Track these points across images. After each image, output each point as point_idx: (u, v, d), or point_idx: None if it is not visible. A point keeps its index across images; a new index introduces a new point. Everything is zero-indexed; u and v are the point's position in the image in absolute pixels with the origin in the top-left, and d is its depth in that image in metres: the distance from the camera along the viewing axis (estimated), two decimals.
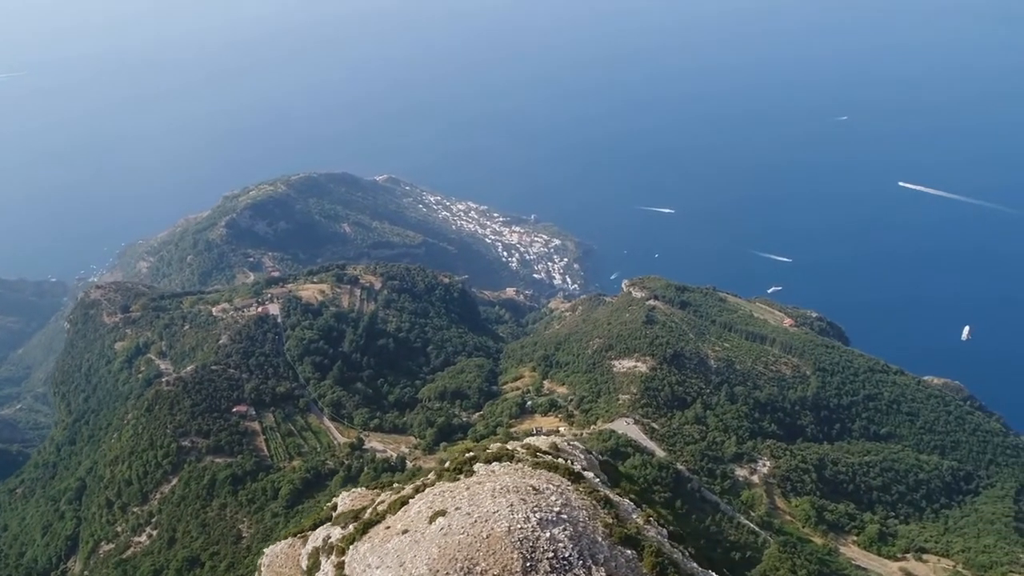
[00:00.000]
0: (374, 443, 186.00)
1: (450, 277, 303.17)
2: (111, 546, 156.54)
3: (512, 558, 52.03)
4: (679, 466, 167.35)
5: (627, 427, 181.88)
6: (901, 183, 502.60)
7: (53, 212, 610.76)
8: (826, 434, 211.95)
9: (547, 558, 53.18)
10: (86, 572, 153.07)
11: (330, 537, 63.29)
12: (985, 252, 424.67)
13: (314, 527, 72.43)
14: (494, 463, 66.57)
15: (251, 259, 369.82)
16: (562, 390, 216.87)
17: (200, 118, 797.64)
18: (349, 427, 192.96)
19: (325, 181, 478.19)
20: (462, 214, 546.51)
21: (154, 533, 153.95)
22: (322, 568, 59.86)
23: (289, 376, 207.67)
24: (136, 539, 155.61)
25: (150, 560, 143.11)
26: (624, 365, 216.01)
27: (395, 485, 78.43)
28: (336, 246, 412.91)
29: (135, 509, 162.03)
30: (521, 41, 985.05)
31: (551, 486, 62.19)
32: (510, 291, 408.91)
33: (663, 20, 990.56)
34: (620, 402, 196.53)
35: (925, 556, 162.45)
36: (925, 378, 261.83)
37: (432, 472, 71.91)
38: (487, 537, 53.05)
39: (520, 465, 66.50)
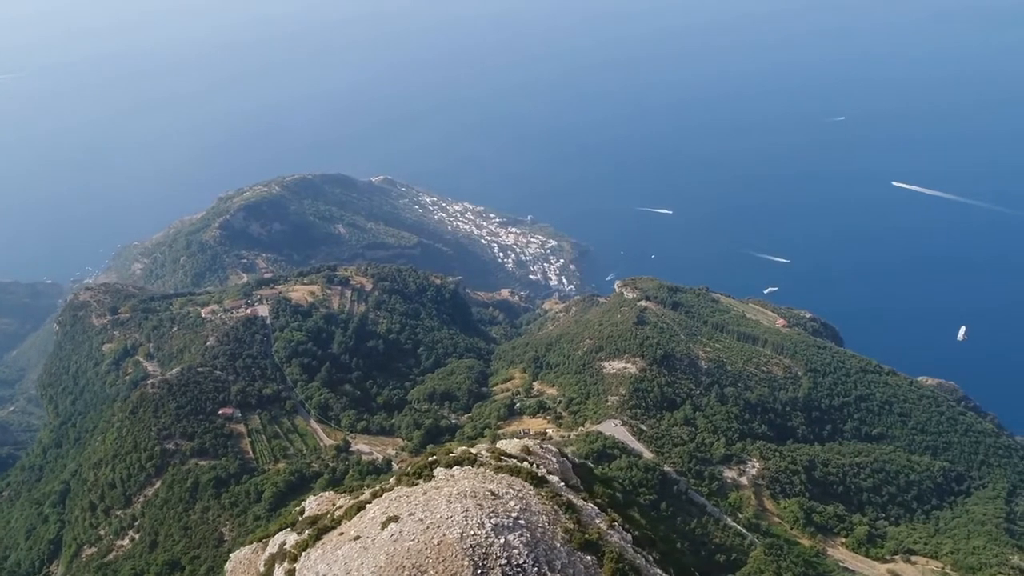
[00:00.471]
0: (361, 445, 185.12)
1: (442, 278, 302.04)
2: (93, 550, 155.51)
3: (463, 565, 50.95)
4: (666, 468, 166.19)
5: (615, 429, 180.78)
6: (894, 183, 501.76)
7: (49, 213, 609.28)
8: (817, 435, 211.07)
9: (500, 565, 52.10)
10: None
11: (285, 543, 62.20)
12: (982, 252, 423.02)
13: (280, 532, 71.27)
14: (455, 467, 65.40)
15: (244, 260, 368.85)
16: (552, 391, 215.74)
17: (198, 120, 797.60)
18: (336, 429, 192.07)
19: (320, 182, 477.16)
20: (458, 215, 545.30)
21: (136, 536, 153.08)
22: (275, 575, 58.77)
23: (276, 378, 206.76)
24: (119, 543, 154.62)
25: (131, 564, 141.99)
26: (614, 366, 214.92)
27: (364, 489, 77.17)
28: (331, 247, 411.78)
29: (118, 512, 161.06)
30: (520, 45, 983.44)
31: (511, 491, 61.05)
32: (505, 292, 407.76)
33: (662, 24, 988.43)
34: (609, 403, 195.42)
35: (914, 558, 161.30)
36: (919, 379, 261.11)
37: (393, 476, 70.78)
38: (438, 544, 51.96)
39: (482, 469, 65.34)
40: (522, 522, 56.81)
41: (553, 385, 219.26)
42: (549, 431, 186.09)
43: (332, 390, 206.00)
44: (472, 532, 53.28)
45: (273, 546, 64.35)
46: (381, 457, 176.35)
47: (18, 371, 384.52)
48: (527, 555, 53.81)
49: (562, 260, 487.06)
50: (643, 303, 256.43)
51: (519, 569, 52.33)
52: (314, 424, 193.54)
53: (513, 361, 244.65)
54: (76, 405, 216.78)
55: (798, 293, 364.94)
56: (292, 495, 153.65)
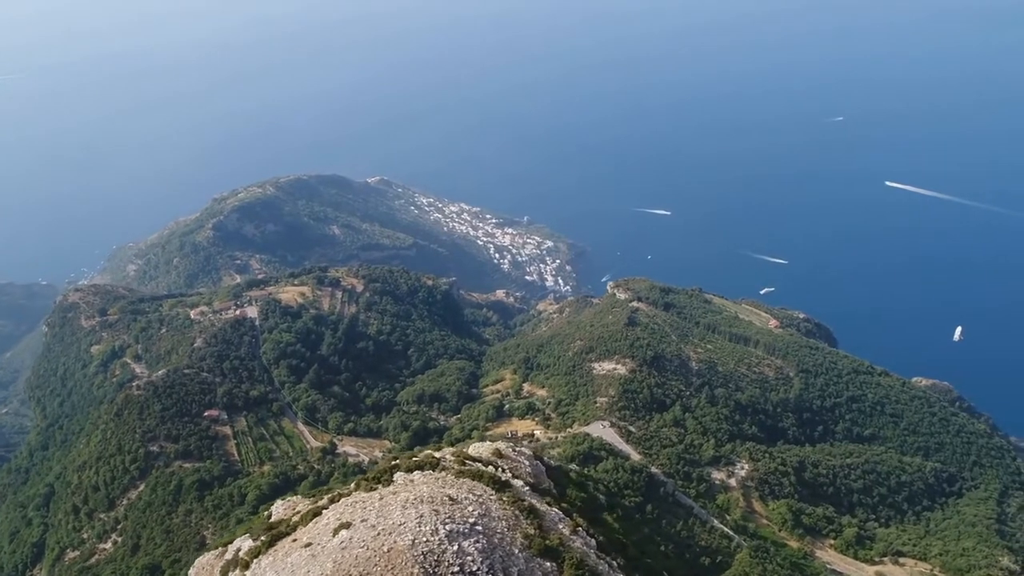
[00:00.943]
0: (347, 447, 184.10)
1: (434, 279, 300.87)
2: (76, 553, 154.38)
3: (412, 573, 49.98)
4: (653, 469, 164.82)
5: (603, 430, 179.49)
6: (887, 182, 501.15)
7: (47, 214, 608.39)
8: (808, 436, 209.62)
9: (452, 572, 51.15)
10: None
11: (241, 549, 61.23)
12: (979, 253, 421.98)
13: (239, 537, 70.27)
14: (416, 472, 64.53)
15: (238, 262, 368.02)
16: (542, 393, 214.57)
17: (197, 121, 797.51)
18: (323, 431, 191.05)
19: (315, 183, 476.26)
20: (454, 216, 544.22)
21: (119, 540, 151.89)
22: None
23: (264, 380, 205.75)
24: (101, 546, 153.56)
25: (112, 567, 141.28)
26: (604, 367, 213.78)
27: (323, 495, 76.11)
28: (325, 248, 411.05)
29: (101, 515, 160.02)
30: (518, 46, 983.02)
31: (471, 496, 60.14)
32: (500, 293, 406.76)
33: (660, 25, 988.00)
34: (597, 405, 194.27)
35: (902, 560, 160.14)
36: (913, 379, 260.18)
37: (353, 481, 69.76)
38: (388, 551, 50.99)
39: (443, 474, 64.44)
40: (479, 528, 55.88)
41: (543, 386, 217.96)
42: (537, 433, 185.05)
43: (320, 392, 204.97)
44: (425, 539, 52.34)
45: (230, 552, 63.33)
46: (368, 459, 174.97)
47: (12, 373, 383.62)
48: (482, 562, 52.85)
49: (558, 261, 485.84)
50: (635, 304, 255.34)
51: None
52: (301, 426, 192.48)
53: (504, 362, 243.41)
54: (63, 407, 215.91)
55: (796, 293, 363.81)
56: (276, 498, 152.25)
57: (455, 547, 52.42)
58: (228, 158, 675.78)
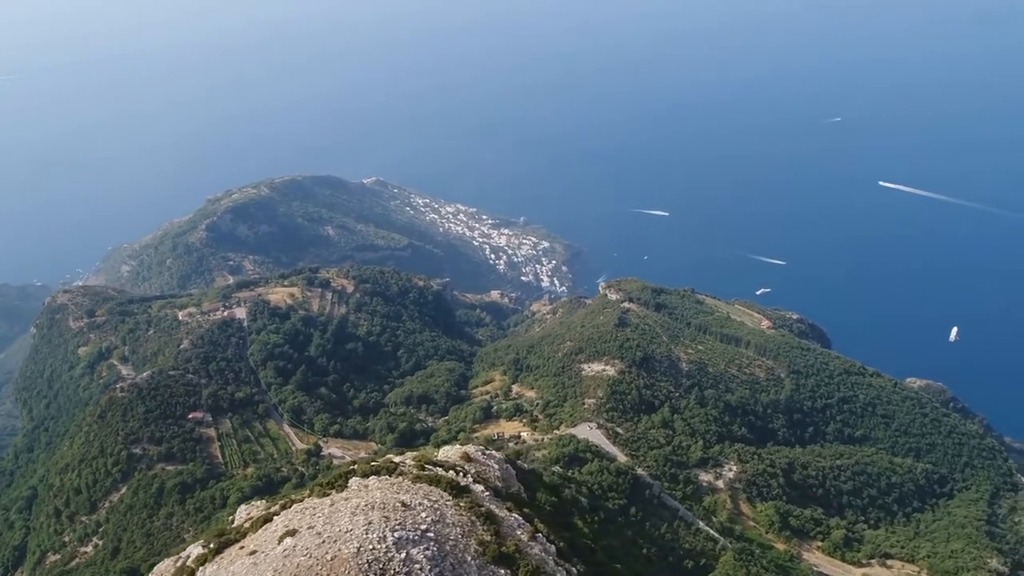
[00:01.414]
0: (333, 449, 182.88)
1: (425, 280, 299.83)
2: (57, 556, 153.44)
3: None
4: (640, 471, 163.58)
5: (590, 432, 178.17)
6: (881, 182, 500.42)
7: (44, 215, 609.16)
8: (798, 437, 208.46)
9: None
10: None
11: (190, 556, 60.05)
12: (976, 253, 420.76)
13: (192, 544, 69.12)
14: (371, 477, 63.24)
15: (231, 262, 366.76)
16: (531, 394, 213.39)
17: (196, 123, 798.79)
18: (309, 433, 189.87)
19: (310, 184, 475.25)
20: (450, 216, 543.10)
21: (100, 543, 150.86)
22: None
23: (250, 381, 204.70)
24: (82, 549, 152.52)
25: (91, 571, 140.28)
26: (593, 369, 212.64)
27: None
28: (319, 249, 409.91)
29: (83, 518, 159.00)
30: (517, 49, 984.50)
31: (425, 502, 58.86)
32: (494, 294, 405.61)
33: (660, 28, 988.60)
34: (585, 406, 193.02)
35: (890, 562, 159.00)
36: (907, 380, 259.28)
37: (308, 487, 68.58)
38: (331, 559, 49.65)
39: (400, 479, 63.14)
40: (431, 535, 54.57)
41: (532, 388, 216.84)
42: (523, 435, 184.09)
43: (307, 393, 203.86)
44: (371, 546, 51.00)
45: (180, 559, 62.18)
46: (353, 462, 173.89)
47: (6, 374, 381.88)
48: (430, 570, 51.51)
49: (554, 262, 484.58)
50: (626, 305, 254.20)
51: None
52: (287, 428, 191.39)
53: (494, 364, 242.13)
54: (50, 409, 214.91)
55: (794, 294, 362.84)
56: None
57: (403, 555, 51.12)
58: (227, 160, 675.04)
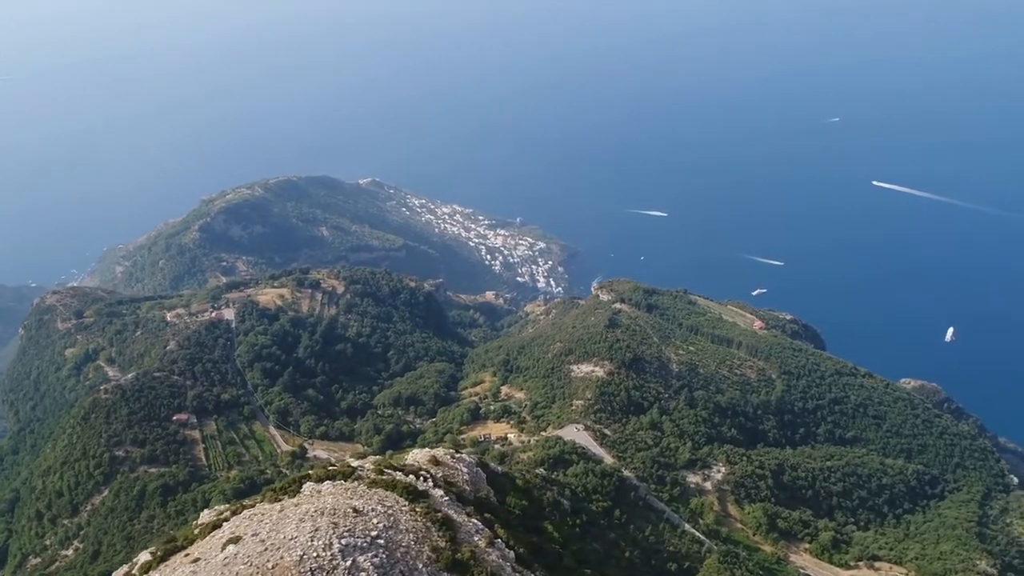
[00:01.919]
0: (319, 451, 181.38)
1: (417, 281, 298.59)
2: (38, 560, 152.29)
3: None
4: (626, 473, 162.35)
5: (577, 433, 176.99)
6: (874, 182, 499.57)
7: (41, 216, 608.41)
8: (789, 439, 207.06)
9: None
10: None
11: (137, 563, 58.85)
12: (973, 254, 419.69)
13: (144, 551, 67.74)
14: (327, 482, 62.04)
15: (224, 263, 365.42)
16: (520, 395, 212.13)
17: (195, 124, 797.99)
18: (295, 435, 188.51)
19: (304, 184, 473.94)
20: (447, 217, 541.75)
21: (80, 546, 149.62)
22: None
23: (237, 383, 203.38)
24: (63, 552, 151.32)
25: (71, 574, 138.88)
26: (582, 370, 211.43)
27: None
28: (313, 250, 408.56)
29: (65, 521, 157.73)
30: (516, 51, 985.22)
31: (379, 507, 57.63)
32: (489, 294, 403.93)
33: (659, 29, 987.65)
34: (573, 408, 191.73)
35: (877, 564, 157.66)
36: (901, 381, 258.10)
37: (263, 492, 67.35)
38: (272, 568, 48.45)
39: (355, 484, 61.94)
40: (381, 541, 53.37)
41: (522, 389, 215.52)
42: (510, 436, 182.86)
43: (294, 395, 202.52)
44: (315, 554, 49.81)
45: (129, 566, 60.95)
46: (338, 464, 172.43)
47: None
48: None
49: (550, 262, 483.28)
50: (617, 305, 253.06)
51: None
52: (272, 430, 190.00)
53: (485, 365, 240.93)
54: (36, 411, 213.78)
55: (792, 295, 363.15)
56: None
57: (348, 562, 49.92)
58: (225, 161, 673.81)
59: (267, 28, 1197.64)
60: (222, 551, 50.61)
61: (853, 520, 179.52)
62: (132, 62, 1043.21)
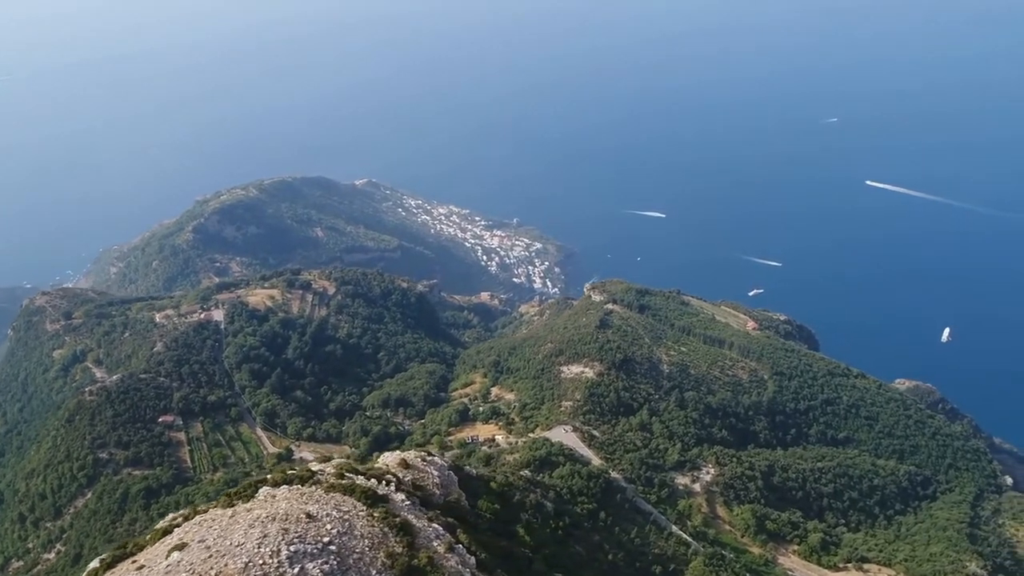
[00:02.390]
0: (305, 453, 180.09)
1: (409, 282, 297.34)
2: (20, 563, 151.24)
3: None
4: (613, 475, 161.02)
5: (565, 435, 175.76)
6: (868, 182, 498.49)
7: (39, 217, 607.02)
8: (780, 440, 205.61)
9: None
10: None
11: (86, 570, 57.78)
12: (970, 254, 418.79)
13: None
14: (283, 486, 60.93)
15: (218, 264, 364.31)
16: (510, 396, 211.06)
17: (194, 124, 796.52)
18: (282, 437, 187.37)
19: (300, 185, 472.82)
20: (443, 218, 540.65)
21: (63, 549, 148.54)
22: None
23: (224, 384, 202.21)
24: (46, 556, 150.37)
25: None
26: (572, 371, 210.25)
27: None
28: (308, 251, 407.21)
29: (48, 524, 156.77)
30: (515, 52, 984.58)
31: (335, 512, 56.60)
32: (484, 295, 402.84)
33: (659, 30, 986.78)
34: (562, 409, 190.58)
35: (866, 566, 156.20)
36: (895, 381, 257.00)
37: (218, 498, 66.22)
38: (216, 575, 47.40)
39: (312, 488, 60.85)
40: (333, 548, 52.33)
41: (512, 390, 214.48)
42: (498, 438, 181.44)
43: (281, 396, 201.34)
44: (261, 561, 48.77)
45: (83, 571, 59.84)
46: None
47: None
48: None
49: (547, 263, 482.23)
50: (609, 306, 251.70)
51: None
52: (259, 432, 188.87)
53: (475, 366, 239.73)
54: (23, 413, 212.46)
55: (791, 295, 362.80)
56: None
57: (296, 570, 48.91)
58: (225, 161, 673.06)
59: (267, 28, 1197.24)
60: (166, 558, 49.53)
61: (843, 521, 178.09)
62: (132, 62, 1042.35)
